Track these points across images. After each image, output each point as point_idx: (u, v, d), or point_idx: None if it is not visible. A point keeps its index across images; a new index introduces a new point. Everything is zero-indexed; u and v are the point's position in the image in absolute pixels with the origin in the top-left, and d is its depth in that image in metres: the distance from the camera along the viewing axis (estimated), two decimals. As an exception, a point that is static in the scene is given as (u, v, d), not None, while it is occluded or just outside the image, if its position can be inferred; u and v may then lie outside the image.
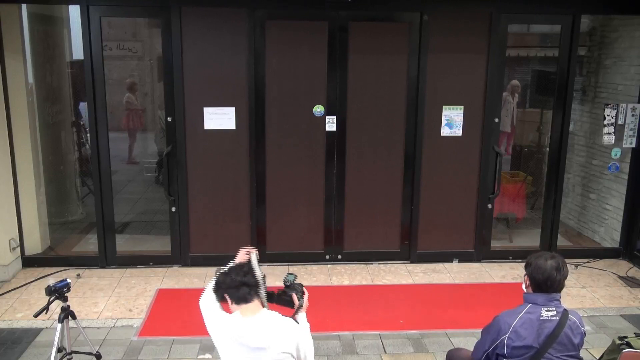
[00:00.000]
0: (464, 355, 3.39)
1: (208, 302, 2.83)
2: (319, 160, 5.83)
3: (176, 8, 5.39)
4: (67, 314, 3.69)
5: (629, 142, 6.04)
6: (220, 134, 5.66)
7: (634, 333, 3.51)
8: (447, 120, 5.80)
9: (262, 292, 2.73)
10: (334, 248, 6.03)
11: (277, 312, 2.74)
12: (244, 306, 2.66)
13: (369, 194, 5.93)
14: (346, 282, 5.62)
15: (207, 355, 4.24)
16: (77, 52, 6.11)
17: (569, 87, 5.86)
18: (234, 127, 5.66)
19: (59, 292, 3.61)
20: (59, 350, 3.71)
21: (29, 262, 5.83)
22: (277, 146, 5.77)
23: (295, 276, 2.98)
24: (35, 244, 5.94)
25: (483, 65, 5.71)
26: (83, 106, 6.76)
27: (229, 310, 2.73)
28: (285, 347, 2.62)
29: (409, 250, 6.08)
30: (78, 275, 5.65)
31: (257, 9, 5.46)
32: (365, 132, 5.81)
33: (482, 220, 6.04)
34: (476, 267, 6.00)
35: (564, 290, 2.99)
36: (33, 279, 5.54)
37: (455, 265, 6.05)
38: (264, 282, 2.77)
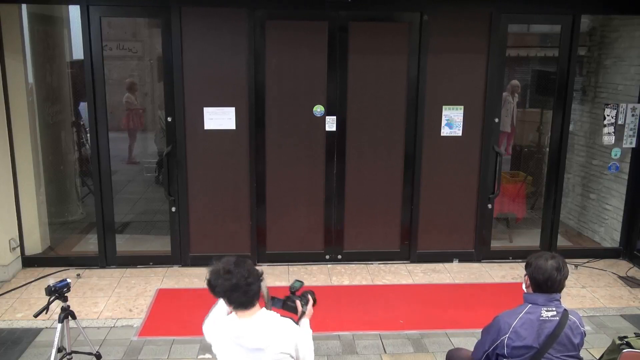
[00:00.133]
0: (464, 355, 3.39)
1: (210, 326, 2.82)
2: (319, 160, 5.83)
3: (176, 8, 5.39)
4: (67, 314, 3.69)
5: (629, 142, 6.04)
6: (220, 134, 5.66)
7: (634, 333, 3.51)
8: (447, 120, 5.80)
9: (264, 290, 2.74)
10: (334, 248, 6.03)
11: (275, 313, 2.73)
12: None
13: (369, 194, 5.93)
14: (346, 282, 5.62)
15: (207, 355, 4.24)
16: (77, 52, 6.11)
17: (569, 87, 5.86)
18: (234, 127, 5.66)
19: (59, 292, 3.61)
20: (59, 350, 3.71)
21: (29, 262, 5.83)
22: (277, 146, 5.77)
23: (302, 283, 3.01)
24: (35, 244, 5.94)
25: (483, 65, 5.71)
26: (83, 106, 6.76)
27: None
28: (283, 348, 2.61)
29: (409, 250, 6.08)
30: (78, 275, 5.65)
31: (257, 9, 5.46)
32: (365, 132, 5.81)
33: (482, 220, 6.04)
34: (476, 267, 6.00)
35: (564, 290, 2.99)
36: (33, 279, 5.54)
37: (455, 265, 6.05)
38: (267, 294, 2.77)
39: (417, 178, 5.89)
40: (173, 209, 5.81)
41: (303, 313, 2.91)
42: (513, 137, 7.94)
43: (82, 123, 7.24)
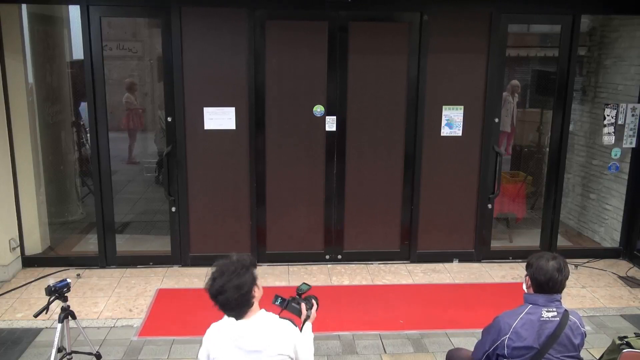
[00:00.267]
0: (464, 355, 3.39)
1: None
2: (319, 160, 5.83)
3: (176, 8, 5.39)
4: (67, 314, 3.69)
5: (629, 142, 6.04)
6: (220, 134, 5.66)
7: (634, 333, 3.51)
8: (447, 120, 5.80)
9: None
10: (334, 248, 6.03)
11: (274, 314, 2.72)
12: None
13: (369, 194, 5.93)
14: (346, 282, 5.62)
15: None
16: (77, 52, 6.11)
17: (569, 87, 5.86)
18: (234, 127, 5.66)
19: (59, 292, 3.61)
20: (59, 350, 3.71)
21: (29, 262, 5.83)
22: (277, 146, 5.77)
23: (310, 286, 3.00)
24: (35, 244, 5.94)
25: (483, 65, 5.71)
26: (83, 107, 6.76)
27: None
28: (281, 349, 2.59)
29: (409, 250, 6.08)
30: (78, 275, 5.65)
31: (257, 9, 5.46)
32: (365, 132, 5.81)
33: (482, 220, 6.04)
34: (476, 267, 6.00)
35: (564, 290, 2.99)
36: (33, 279, 5.54)
37: (455, 265, 6.05)
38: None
39: (417, 178, 5.89)
40: (173, 209, 5.81)
41: (307, 317, 2.90)
42: (513, 137, 7.94)
43: (82, 123, 7.24)
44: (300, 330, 2.82)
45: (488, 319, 3.08)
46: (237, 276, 2.53)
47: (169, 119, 5.65)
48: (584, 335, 2.98)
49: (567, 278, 2.94)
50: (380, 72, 5.70)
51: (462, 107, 5.78)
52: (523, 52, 8.77)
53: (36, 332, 4.61)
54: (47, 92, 6.41)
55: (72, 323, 3.76)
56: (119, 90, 9.16)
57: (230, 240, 5.85)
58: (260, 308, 2.68)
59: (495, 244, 6.24)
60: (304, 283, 3.03)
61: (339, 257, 6.04)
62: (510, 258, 6.15)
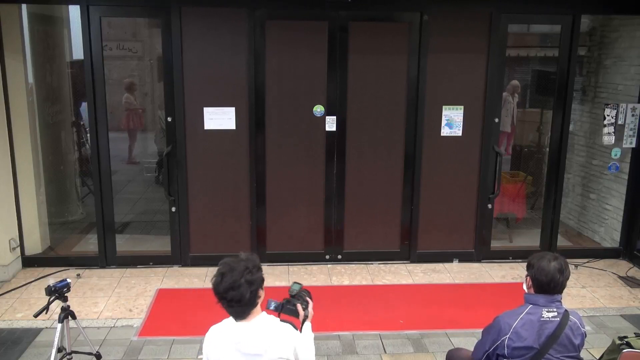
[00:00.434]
0: (464, 355, 3.39)
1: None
2: (319, 160, 5.83)
3: (176, 8, 5.39)
4: (67, 314, 3.69)
5: (629, 142, 6.04)
6: (220, 134, 5.66)
7: (634, 333, 3.51)
8: (447, 120, 5.80)
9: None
10: (334, 248, 6.03)
11: (274, 317, 2.70)
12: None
13: (369, 194, 5.93)
14: (346, 282, 5.62)
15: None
16: (77, 52, 6.11)
17: (569, 87, 5.86)
18: (234, 127, 5.66)
19: (59, 292, 3.61)
20: (59, 350, 3.71)
21: (29, 262, 5.83)
22: (277, 146, 5.77)
23: (301, 285, 2.97)
24: (35, 244, 5.94)
25: (483, 65, 5.71)
26: (83, 106, 6.76)
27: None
28: (281, 353, 2.56)
29: (409, 250, 6.08)
30: (78, 275, 5.65)
31: (257, 9, 5.46)
32: (365, 132, 5.81)
33: (482, 220, 6.04)
34: (476, 267, 6.00)
35: (564, 290, 2.99)
36: (33, 279, 5.54)
37: (455, 265, 6.05)
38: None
39: (417, 178, 5.89)
40: (173, 209, 5.81)
41: (306, 317, 2.87)
42: (513, 137, 7.94)
43: (82, 123, 7.24)
44: (300, 331, 2.81)
45: (488, 319, 3.08)
46: (249, 273, 2.51)
47: (169, 119, 5.65)
48: (584, 335, 2.98)
49: (567, 278, 2.94)
50: (380, 72, 5.70)
51: (462, 107, 5.78)
52: (523, 52, 8.77)
53: (36, 332, 4.61)
54: (47, 92, 6.41)
55: (72, 323, 3.76)
56: (119, 90, 9.16)
57: (230, 240, 5.85)
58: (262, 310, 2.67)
59: (495, 244, 6.24)
60: (295, 282, 2.99)
61: (339, 257, 6.04)
62: (510, 258, 6.15)
